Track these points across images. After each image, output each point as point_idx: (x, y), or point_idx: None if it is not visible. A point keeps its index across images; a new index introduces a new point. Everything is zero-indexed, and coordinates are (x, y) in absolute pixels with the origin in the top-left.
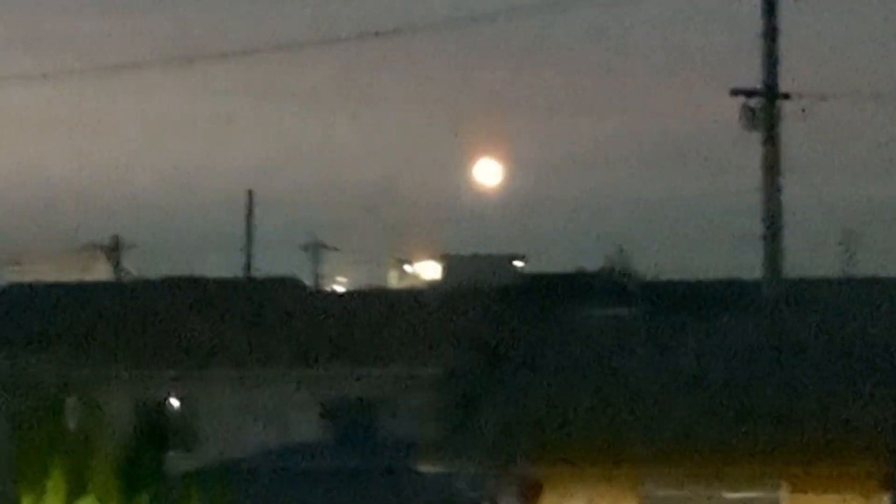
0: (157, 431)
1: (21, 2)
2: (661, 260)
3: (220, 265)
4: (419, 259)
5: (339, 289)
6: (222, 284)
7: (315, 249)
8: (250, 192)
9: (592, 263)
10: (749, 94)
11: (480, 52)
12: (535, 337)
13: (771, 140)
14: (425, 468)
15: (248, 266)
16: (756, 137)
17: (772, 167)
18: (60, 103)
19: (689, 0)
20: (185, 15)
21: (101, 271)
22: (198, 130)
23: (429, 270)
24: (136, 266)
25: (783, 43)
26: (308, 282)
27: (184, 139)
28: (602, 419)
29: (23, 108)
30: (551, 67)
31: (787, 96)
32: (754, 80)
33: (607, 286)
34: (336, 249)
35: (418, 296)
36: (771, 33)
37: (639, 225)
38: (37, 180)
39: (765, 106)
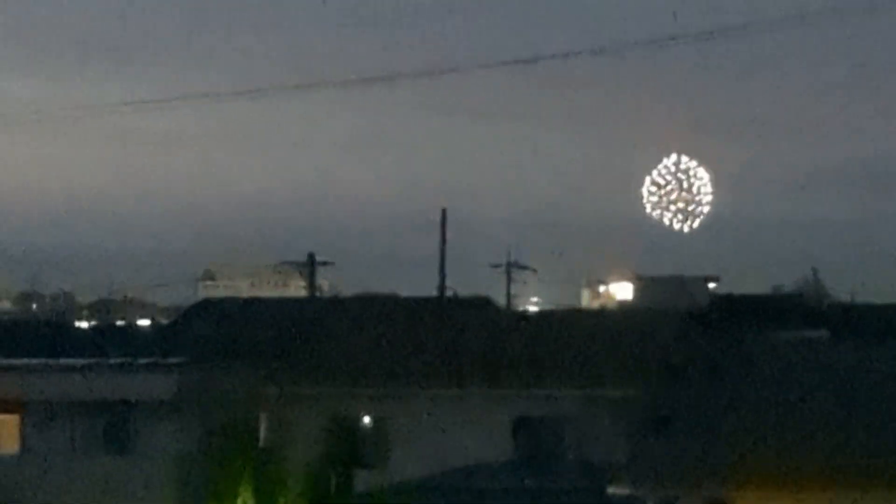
0: (347, 449)
1: (213, 21)
2: (855, 282)
3: (414, 283)
4: (613, 279)
5: (532, 308)
6: (415, 303)
7: (507, 268)
8: (444, 211)
9: (787, 285)
10: None
11: (677, 72)
12: (726, 358)
13: None
14: (614, 489)
15: (441, 285)
16: None
17: None
18: (256, 121)
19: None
20: (381, 35)
21: (295, 288)
22: (392, 148)
23: (622, 291)
24: (331, 283)
25: None
26: (500, 301)
27: (379, 157)
28: (792, 441)
29: (219, 125)
30: (752, 90)
31: None
32: None
33: (801, 308)
34: (529, 269)
35: (611, 316)
36: None
37: (834, 247)
38: (233, 197)
39: None
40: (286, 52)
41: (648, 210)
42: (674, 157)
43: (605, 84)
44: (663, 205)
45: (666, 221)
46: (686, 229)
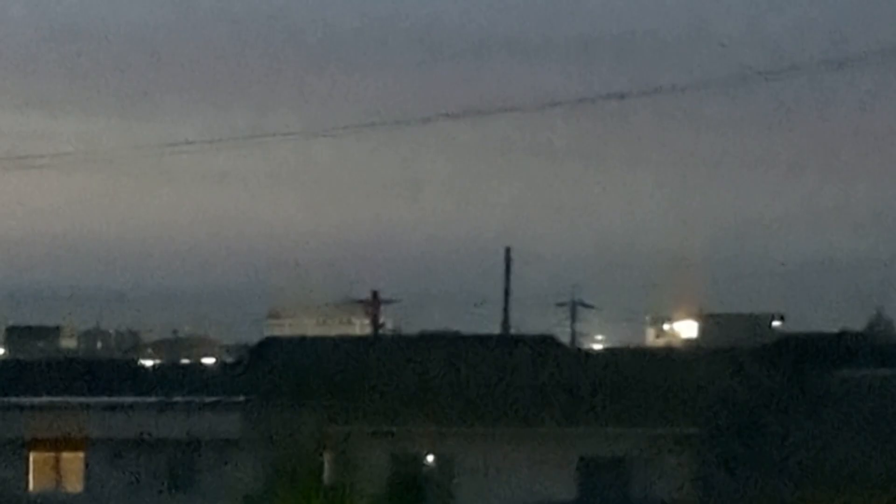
0: (412, 487)
1: (281, 62)
2: None
3: (478, 322)
4: (677, 317)
5: (596, 346)
6: (480, 341)
7: (572, 307)
8: (508, 250)
9: (853, 323)
10: None
11: (736, 111)
12: (792, 397)
13: None
14: None
15: (505, 323)
16: None
17: None
18: (322, 159)
19: None
20: (444, 74)
21: (360, 326)
22: (458, 186)
23: (687, 329)
24: (395, 321)
25: None
26: (565, 339)
27: (443, 195)
28: (860, 480)
29: (285, 164)
30: (812, 128)
31: None
32: None
33: (867, 347)
34: (593, 307)
35: (676, 354)
36: None
37: None
38: (298, 235)
39: None
40: (349, 90)
41: None
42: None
43: (668, 122)
44: None
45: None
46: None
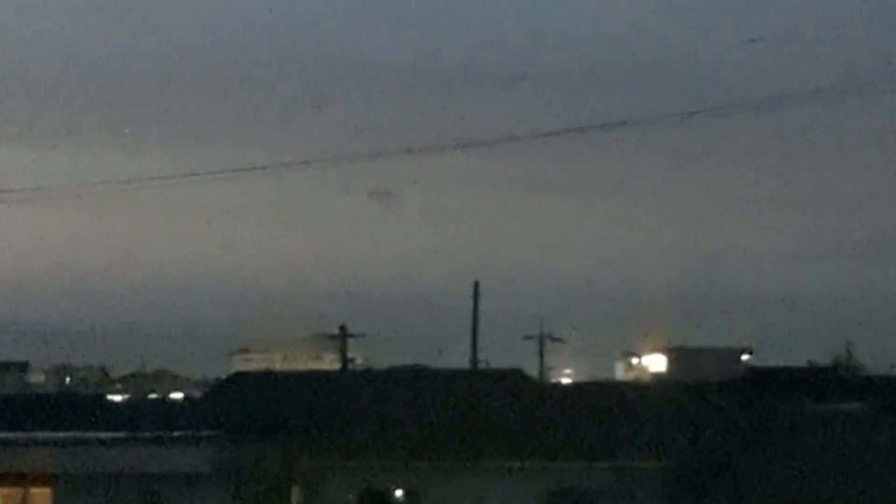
0: None
1: (256, 96)
2: (890, 354)
3: (447, 355)
4: (646, 351)
5: (565, 380)
6: (448, 375)
7: (540, 340)
8: (476, 283)
9: (821, 357)
10: None
11: (706, 144)
12: (761, 431)
13: None
14: None
15: (473, 357)
16: None
17: None
18: (288, 193)
19: None
20: (412, 109)
21: (329, 360)
22: (425, 220)
23: (655, 363)
24: (363, 355)
25: None
26: (533, 373)
27: (411, 228)
28: None
29: (251, 197)
30: (779, 160)
31: None
32: None
33: (836, 381)
34: (561, 341)
35: (645, 388)
36: None
37: (868, 318)
38: (266, 269)
39: None
40: (318, 124)
41: None
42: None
43: (636, 156)
44: None
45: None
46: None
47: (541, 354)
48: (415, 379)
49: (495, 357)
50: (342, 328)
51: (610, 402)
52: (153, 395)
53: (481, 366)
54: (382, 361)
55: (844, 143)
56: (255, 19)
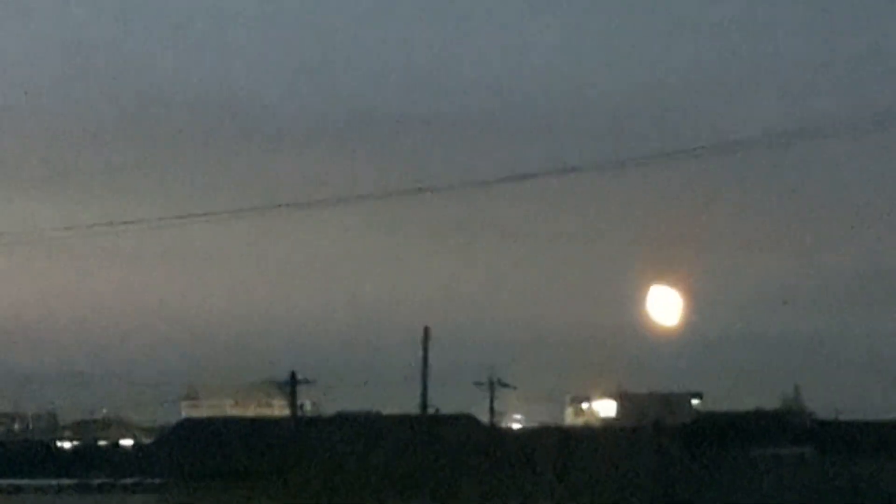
0: None
1: (200, 143)
2: (838, 398)
3: (397, 401)
4: (596, 396)
5: (515, 426)
6: (398, 421)
7: (490, 386)
8: (426, 329)
9: (769, 401)
10: None
11: (658, 189)
12: (710, 475)
13: None
14: None
15: (423, 402)
16: None
17: None
18: (239, 240)
19: (870, 140)
20: (363, 155)
21: (279, 407)
22: (375, 266)
23: (605, 408)
24: (313, 401)
25: None
26: (483, 418)
27: (361, 274)
28: None
29: (200, 244)
30: (729, 205)
31: None
32: None
33: (784, 425)
34: (511, 386)
35: (594, 433)
36: None
37: (816, 363)
38: (216, 315)
39: None
40: (265, 170)
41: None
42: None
43: (586, 201)
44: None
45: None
46: (669, 347)
47: (491, 400)
48: (364, 425)
49: (446, 403)
50: (292, 375)
51: (560, 447)
52: (103, 442)
53: (431, 411)
54: (333, 408)
55: (793, 184)
56: (185, 67)
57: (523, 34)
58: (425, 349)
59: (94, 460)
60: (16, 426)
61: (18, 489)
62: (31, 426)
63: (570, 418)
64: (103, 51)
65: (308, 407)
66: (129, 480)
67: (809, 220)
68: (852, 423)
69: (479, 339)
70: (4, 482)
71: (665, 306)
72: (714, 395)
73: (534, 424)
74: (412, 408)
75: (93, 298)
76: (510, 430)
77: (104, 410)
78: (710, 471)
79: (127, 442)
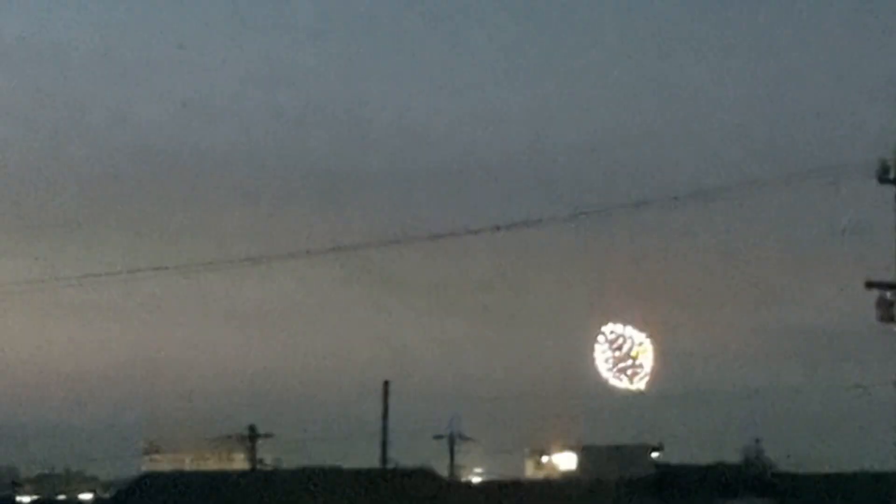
0: None
1: (156, 195)
2: (798, 451)
3: (357, 455)
4: (556, 449)
5: (475, 479)
6: (358, 475)
7: (450, 439)
8: (386, 384)
9: (729, 454)
10: (884, 286)
11: (618, 240)
12: None
13: None
14: None
15: (383, 456)
16: (893, 329)
17: None
18: (198, 292)
19: (820, 193)
20: (322, 208)
21: (239, 460)
22: (335, 321)
23: (565, 461)
24: (273, 456)
25: None
26: (443, 472)
27: (321, 329)
28: None
29: (161, 298)
30: (685, 260)
31: None
32: (890, 273)
33: (744, 477)
34: (471, 440)
35: (554, 486)
36: None
37: (775, 416)
38: (177, 370)
39: None
40: (221, 224)
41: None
42: (614, 326)
43: (542, 254)
44: (610, 367)
45: (615, 383)
46: (631, 388)
47: (451, 453)
48: (324, 479)
49: (406, 456)
50: (251, 429)
51: (520, 500)
52: (63, 497)
53: (391, 465)
54: (292, 462)
55: (757, 237)
56: (160, 121)
57: (488, 95)
58: (385, 403)
59: None
60: None
61: None
62: None
63: (530, 471)
64: (73, 106)
65: (268, 461)
66: None
67: (767, 276)
68: (811, 475)
69: (439, 393)
70: None
71: (623, 360)
72: (673, 449)
73: (494, 477)
74: (373, 461)
75: (54, 353)
76: (469, 483)
77: (65, 464)
78: None
79: (87, 496)
